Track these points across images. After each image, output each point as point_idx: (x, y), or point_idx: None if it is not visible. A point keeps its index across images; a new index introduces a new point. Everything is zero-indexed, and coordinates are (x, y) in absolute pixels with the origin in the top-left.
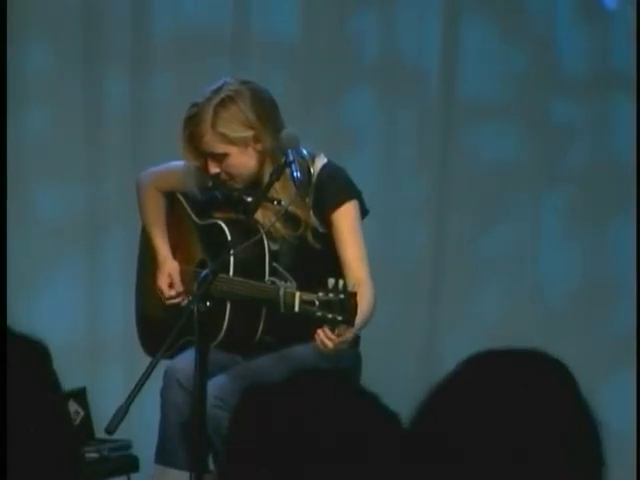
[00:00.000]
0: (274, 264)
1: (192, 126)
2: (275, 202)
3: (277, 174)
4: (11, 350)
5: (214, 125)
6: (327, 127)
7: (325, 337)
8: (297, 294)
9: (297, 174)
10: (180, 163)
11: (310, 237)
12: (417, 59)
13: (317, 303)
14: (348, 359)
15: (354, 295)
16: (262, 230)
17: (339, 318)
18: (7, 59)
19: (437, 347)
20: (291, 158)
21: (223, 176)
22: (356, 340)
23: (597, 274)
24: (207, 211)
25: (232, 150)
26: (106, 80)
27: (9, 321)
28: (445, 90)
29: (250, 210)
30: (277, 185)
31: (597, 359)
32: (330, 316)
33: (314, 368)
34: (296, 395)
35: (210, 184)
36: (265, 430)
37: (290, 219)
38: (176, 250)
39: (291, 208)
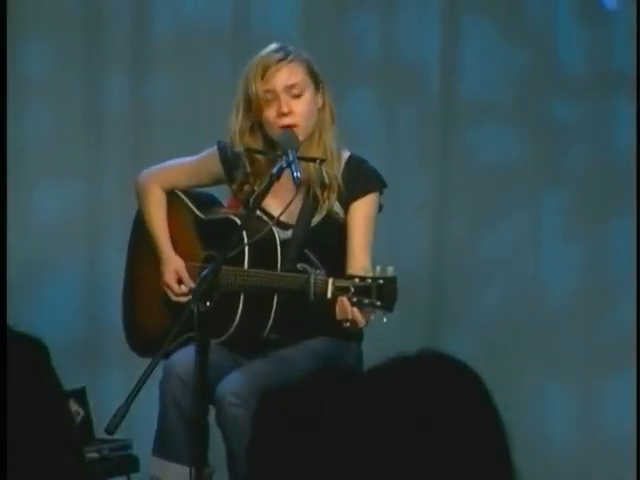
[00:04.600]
0: (306, 251)
1: (273, 57)
2: (317, 161)
3: (277, 174)
4: (10, 349)
5: (292, 62)
6: None
7: (347, 309)
8: (330, 280)
9: (297, 174)
10: (185, 159)
11: (336, 217)
12: (417, 59)
13: (352, 289)
14: (351, 356)
15: (394, 280)
16: (270, 222)
17: (377, 303)
18: (7, 59)
19: (437, 347)
20: (291, 158)
21: (289, 120)
22: (360, 337)
23: (597, 274)
24: (209, 207)
25: (308, 89)
26: (106, 80)
27: (9, 321)
28: (445, 90)
29: (255, 204)
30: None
31: (597, 359)
32: (367, 301)
33: (329, 366)
34: (317, 394)
35: (242, 148)
36: (290, 432)
37: (309, 202)
38: (177, 247)
39: (328, 173)
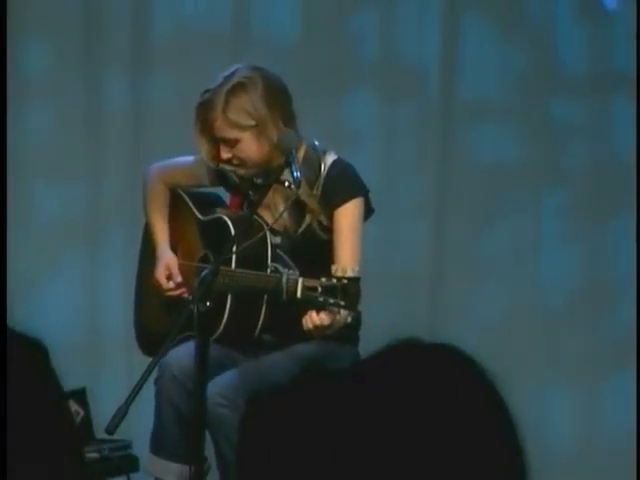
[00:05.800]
0: (278, 251)
1: (204, 112)
2: (287, 184)
3: (276, 175)
4: (10, 349)
5: (225, 111)
6: (327, 127)
7: (314, 318)
8: (300, 280)
9: (297, 174)
10: (187, 158)
11: (316, 229)
12: (417, 59)
13: (319, 289)
14: (346, 359)
15: (357, 280)
16: (265, 227)
17: (341, 303)
18: (7, 59)
19: None
20: (290, 158)
21: (235, 161)
22: (355, 340)
23: (597, 274)
24: (210, 208)
25: (244, 136)
26: (106, 80)
27: (9, 321)
28: (445, 90)
29: (252, 207)
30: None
31: (597, 359)
32: (332, 301)
33: (317, 369)
34: (304, 397)
35: (217, 166)
36: (278, 437)
37: (297, 208)
38: (178, 246)
39: (302, 194)
